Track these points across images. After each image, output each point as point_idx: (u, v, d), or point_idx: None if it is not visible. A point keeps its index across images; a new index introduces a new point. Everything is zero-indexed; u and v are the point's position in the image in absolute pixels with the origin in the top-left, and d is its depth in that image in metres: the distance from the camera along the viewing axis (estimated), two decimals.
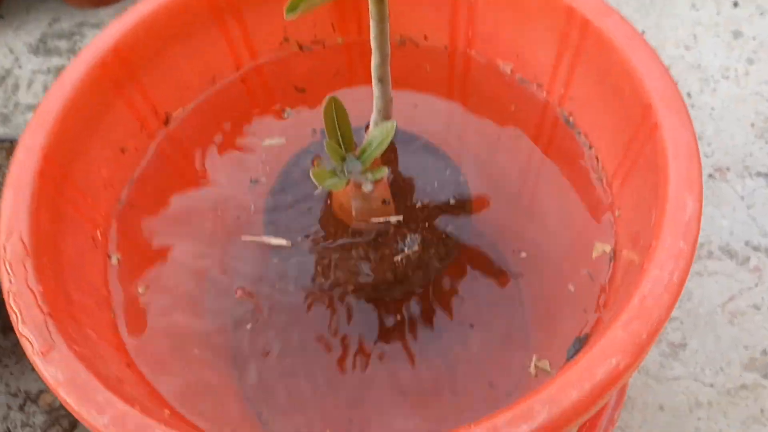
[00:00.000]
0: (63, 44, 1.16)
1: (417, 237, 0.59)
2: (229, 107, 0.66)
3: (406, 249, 0.59)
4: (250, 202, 0.62)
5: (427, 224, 0.60)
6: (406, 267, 0.59)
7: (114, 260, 0.56)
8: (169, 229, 0.59)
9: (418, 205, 0.61)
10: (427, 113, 0.67)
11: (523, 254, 0.57)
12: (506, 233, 0.60)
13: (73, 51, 1.15)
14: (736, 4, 1.10)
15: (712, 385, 0.81)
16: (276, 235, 0.61)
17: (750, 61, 1.05)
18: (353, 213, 0.61)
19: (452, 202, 0.62)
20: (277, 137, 0.67)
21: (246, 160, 0.65)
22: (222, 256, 0.59)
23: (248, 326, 0.56)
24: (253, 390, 0.53)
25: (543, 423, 0.36)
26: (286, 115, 0.67)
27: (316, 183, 0.54)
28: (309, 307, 0.57)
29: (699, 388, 0.81)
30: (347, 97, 0.64)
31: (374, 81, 0.56)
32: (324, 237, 0.61)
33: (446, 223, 0.60)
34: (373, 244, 0.60)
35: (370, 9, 0.50)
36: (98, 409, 0.40)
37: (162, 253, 0.58)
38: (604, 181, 0.56)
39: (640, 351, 0.38)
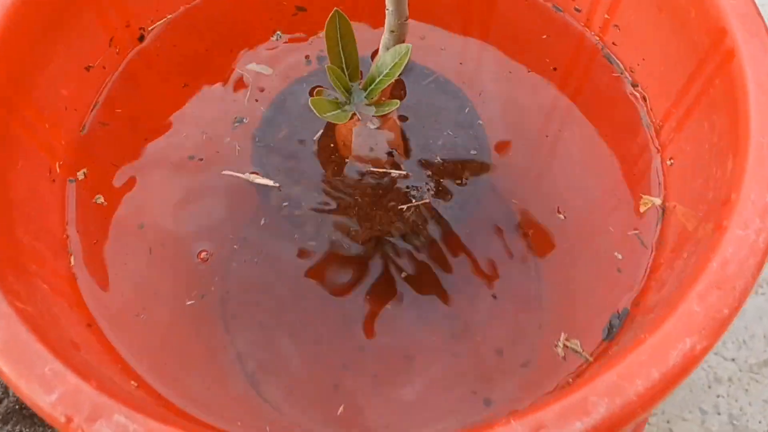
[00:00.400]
0: None
1: (427, 187, 0.51)
2: (211, 24, 0.56)
3: (414, 200, 0.51)
4: (234, 140, 0.53)
5: (439, 173, 0.52)
6: (414, 220, 0.51)
7: (74, 198, 0.48)
8: (139, 165, 0.51)
9: (429, 150, 0.53)
10: (442, 44, 0.58)
11: (551, 211, 0.49)
12: (528, 184, 0.51)
13: None
14: None
15: (733, 360, 0.74)
16: (263, 175, 0.52)
17: None
18: (353, 154, 0.53)
19: (472, 152, 0.53)
20: (265, 65, 0.58)
21: (230, 90, 0.56)
22: (198, 200, 0.51)
23: (229, 282, 0.48)
24: (240, 355, 0.45)
25: (601, 419, 0.29)
26: (275, 38, 0.58)
27: (316, 113, 0.46)
28: (299, 256, 0.49)
29: (719, 362, 0.75)
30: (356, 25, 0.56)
31: None
32: (319, 181, 0.53)
33: (461, 173, 0.52)
34: (378, 190, 0.52)
35: None
36: (44, 383, 0.31)
37: (130, 193, 0.50)
38: (653, 124, 0.48)
39: (720, 329, 0.31)
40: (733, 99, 0.38)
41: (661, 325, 0.31)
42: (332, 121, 0.47)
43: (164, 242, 0.48)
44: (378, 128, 0.51)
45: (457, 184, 0.52)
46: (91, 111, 0.50)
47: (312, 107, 0.46)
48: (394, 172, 0.51)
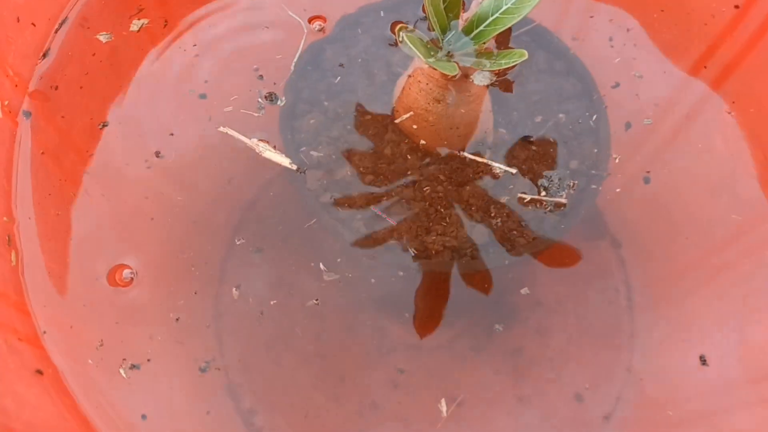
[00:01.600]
0: None
1: (567, 183, 0.37)
2: None
3: (545, 192, 0.36)
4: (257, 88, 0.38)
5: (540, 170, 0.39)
6: (504, 226, 0.38)
7: (27, 156, 0.31)
8: (125, 114, 0.34)
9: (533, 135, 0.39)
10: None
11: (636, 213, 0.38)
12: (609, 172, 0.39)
13: None
14: None
15: None
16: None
17: None
18: (431, 131, 0.37)
19: (593, 150, 0.39)
20: None
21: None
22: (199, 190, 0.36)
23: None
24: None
25: None
26: None
27: (416, 52, 0.30)
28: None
29: None
30: None
31: None
32: (374, 163, 0.39)
33: (568, 173, 0.39)
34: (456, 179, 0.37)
35: None
36: None
37: (106, 153, 0.34)
38: None
39: None
40: None
41: None
42: (440, 70, 0.31)
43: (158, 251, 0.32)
44: (491, 84, 0.35)
45: (569, 188, 0.39)
46: (58, 29, 0.33)
47: (410, 45, 0.30)
48: (501, 167, 0.36)
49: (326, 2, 0.41)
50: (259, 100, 0.39)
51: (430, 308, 0.38)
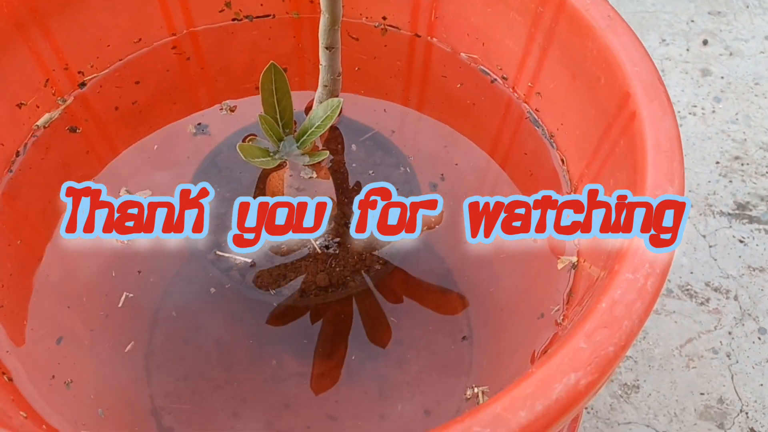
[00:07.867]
0: None
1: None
2: (156, 77, 0.58)
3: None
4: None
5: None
6: (342, 270, 0.52)
7: None
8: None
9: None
10: (382, 108, 0.60)
11: (473, 271, 0.50)
12: (456, 242, 0.53)
13: None
14: (705, 42, 1.07)
15: None
16: None
17: (717, 100, 1.02)
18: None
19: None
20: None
21: (172, 148, 0.57)
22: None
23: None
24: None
25: None
26: (222, 110, 0.59)
27: (242, 157, 0.47)
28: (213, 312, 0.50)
29: None
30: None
31: (321, 48, 0.49)
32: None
33: None
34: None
35: None
36: None
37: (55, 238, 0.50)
38: (571, 184, 0.50)
39: (606, 367, 0.31)
40: (633, 159, 0.40)
41: (548, 360, 0.31)
42: (260, 167, 0.48)
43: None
44: (310, 177, 0.52)
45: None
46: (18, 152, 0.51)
47: (239, 152, 0.47)
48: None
49: None
50: None
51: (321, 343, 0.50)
